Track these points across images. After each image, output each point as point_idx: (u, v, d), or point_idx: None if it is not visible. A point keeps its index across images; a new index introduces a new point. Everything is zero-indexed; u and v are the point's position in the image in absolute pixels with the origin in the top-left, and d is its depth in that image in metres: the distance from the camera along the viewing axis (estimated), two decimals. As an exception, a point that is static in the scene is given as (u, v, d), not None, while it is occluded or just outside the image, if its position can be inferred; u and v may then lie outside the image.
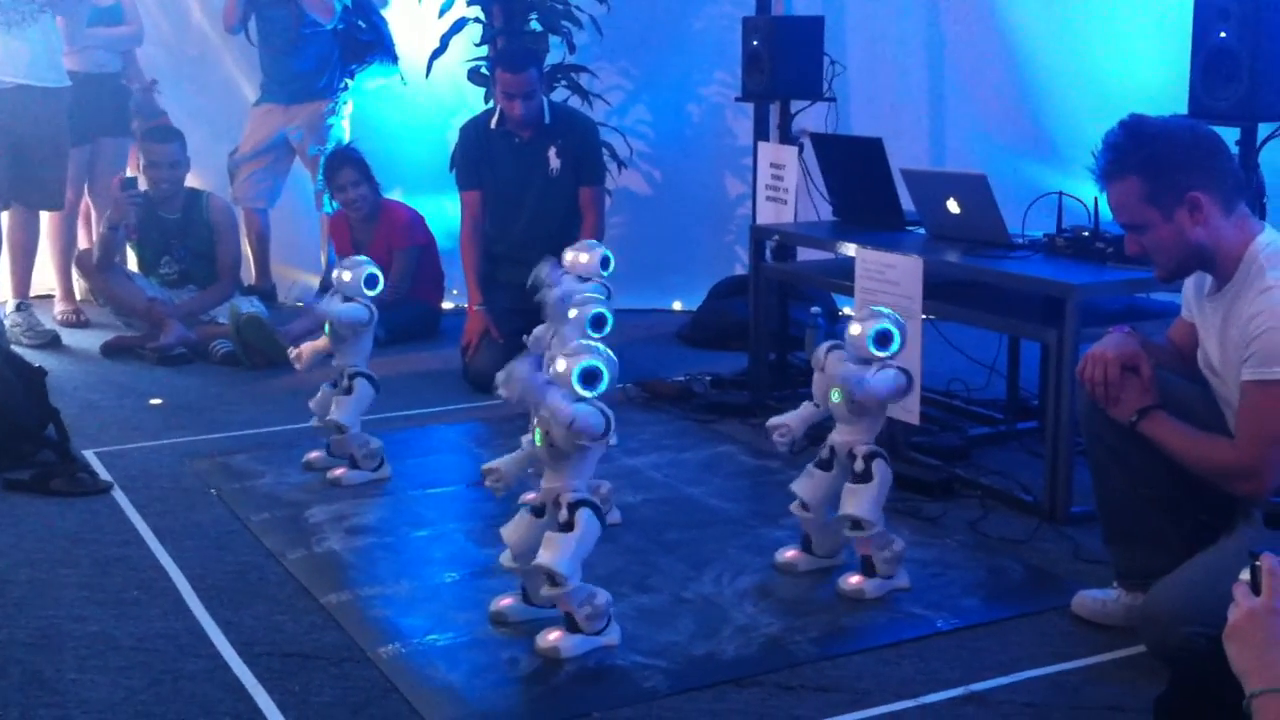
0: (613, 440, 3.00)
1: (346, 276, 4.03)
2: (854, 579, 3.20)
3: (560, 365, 2.83)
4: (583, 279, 4.05)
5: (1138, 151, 2.68)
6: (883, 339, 3.15)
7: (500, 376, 3.63)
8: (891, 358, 3.16)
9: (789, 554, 3.35)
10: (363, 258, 4.15)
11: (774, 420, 3.33)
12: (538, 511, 2.92)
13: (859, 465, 3.18)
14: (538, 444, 2.87)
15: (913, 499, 3.80)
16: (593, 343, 2.91)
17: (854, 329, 3.20)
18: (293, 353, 4.17)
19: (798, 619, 3.08)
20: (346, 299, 4.04)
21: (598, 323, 3.64)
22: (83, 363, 5.61)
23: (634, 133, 6.52)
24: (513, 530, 2.97)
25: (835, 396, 3.22)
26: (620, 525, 3.66)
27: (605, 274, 4.05)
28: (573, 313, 3.71)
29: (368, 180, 5.97)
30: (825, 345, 3.30)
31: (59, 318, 6.25)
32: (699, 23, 6.56)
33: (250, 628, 3.05)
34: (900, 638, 2.99)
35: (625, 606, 3.12)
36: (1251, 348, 2.60)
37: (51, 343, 5.83)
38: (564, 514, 2.82)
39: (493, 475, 2.97)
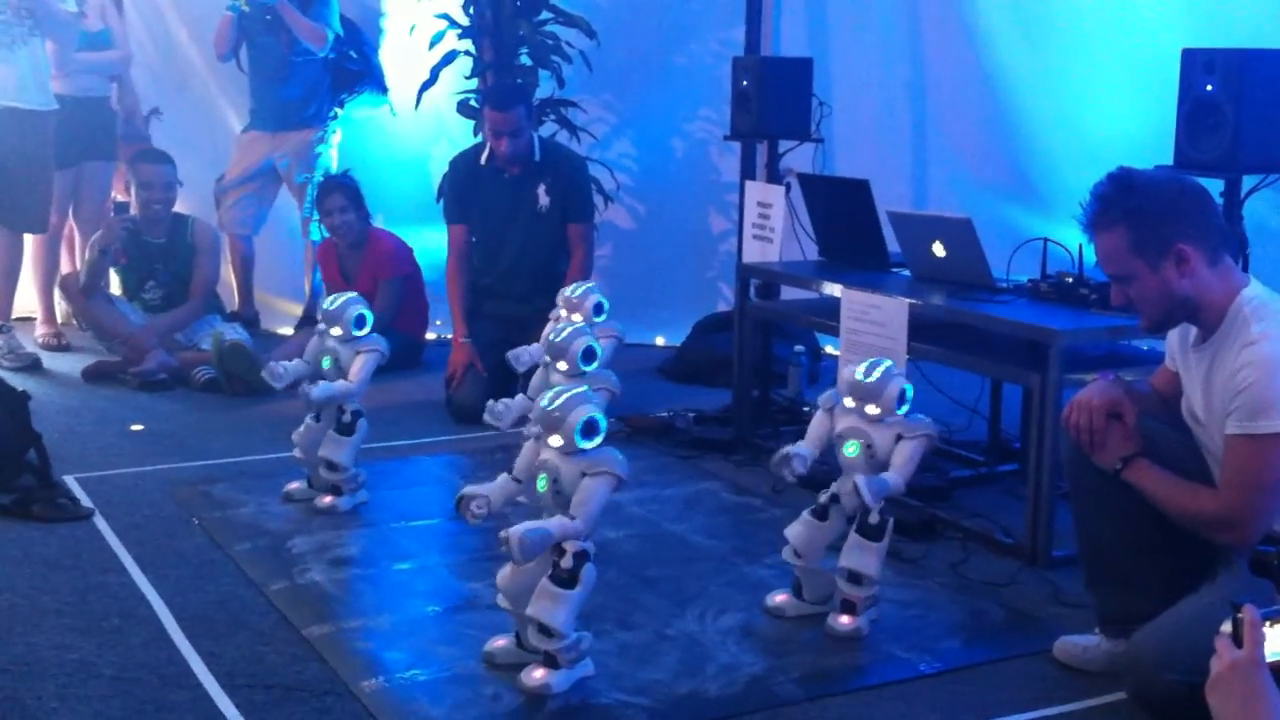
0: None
1: (336, 330, 4.05)
2: (845, 619, 3.21)
3: (554, 441, 2.81)
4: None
5: (1125, 203, 2.71)
6: (904, 398, 3.17)
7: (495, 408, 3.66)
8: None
9: (779, 598, 3.35)
10: (351, 295, 4.16)
11: (790, 449, 3.21)
12: None
13: (874, 519, 3.15)
14: (541, 490, 2.86)
15: (894, 540, 3.79)
16: (576, 390, 2.89)
17: (853, 372, 3.18)
18: (274, 369, 4.12)
19: (781, 659, 3.09)
20: (345, 340, 4.05)
21: (588, 355, 3.68)
22: (64, 387, 5.59)
23: (619, 166, 6.55)
24: (509, 576, 2.93)
25: (851, 450, 3.20)
26: (598, 560, 3.63)
27: (599, 320, 4.09)
28: (562, 364, 3.72)
29: (356, 209, 5.97)
30: (831, 392, 3.30)
31: (40, 341, 6.22)
32: (685, 60, 6.60)
33: (232, 659, 3.04)
34: (883, 680, 3.00)
35: (608, 643, 3.12)
36: (1236, 401, 2.63)
37: (32, 366, 5.80)
38: (568, 562, 2.81)
39: (478, 501, 2.89)
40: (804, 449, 3.24)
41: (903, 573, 3.62)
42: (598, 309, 4.12)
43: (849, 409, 3.22)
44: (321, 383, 4.02)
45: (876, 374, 3.16)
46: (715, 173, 6.59)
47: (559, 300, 4.17)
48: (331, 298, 4.15)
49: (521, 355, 4.09)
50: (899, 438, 3.16)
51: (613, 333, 4.14)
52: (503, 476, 2.99)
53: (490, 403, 3.79)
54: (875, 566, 3.18)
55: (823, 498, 3.27)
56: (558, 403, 2.82)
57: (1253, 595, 2.12)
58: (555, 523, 2.79)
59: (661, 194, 6.70)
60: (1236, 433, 2.64)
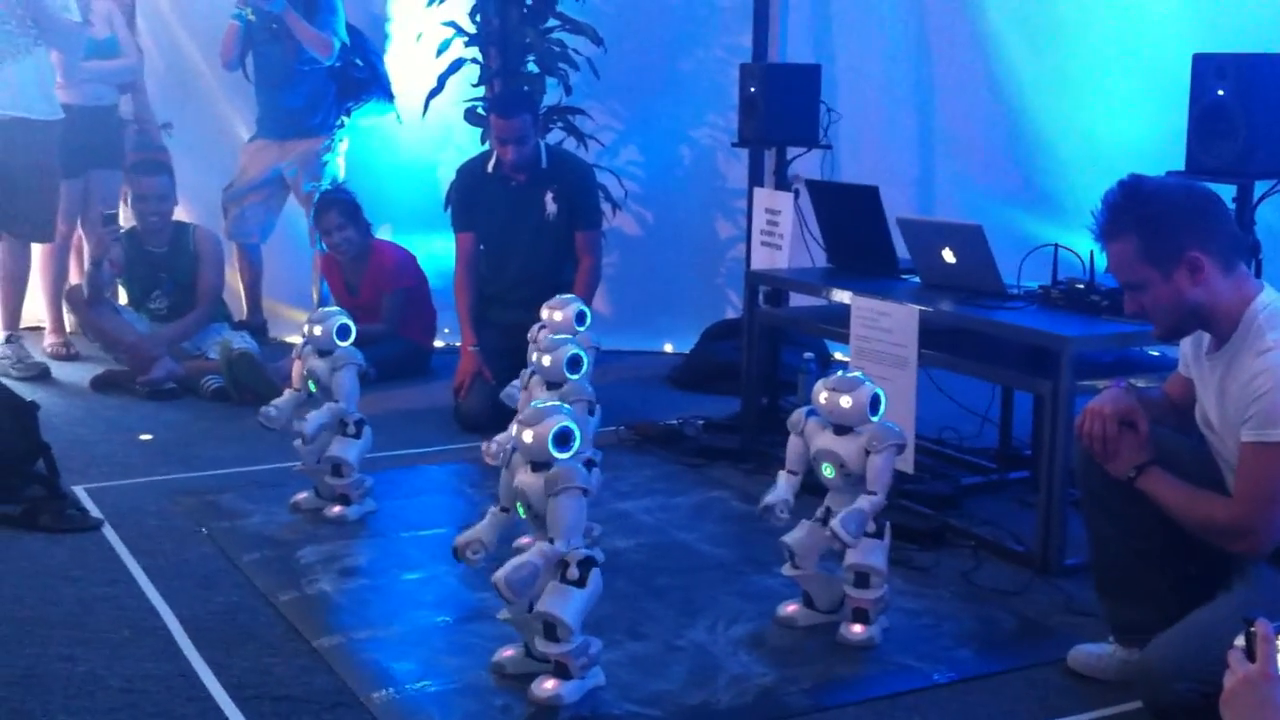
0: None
1: (318, 331, 4.05)
2: (857, 628, 3.20)
3: (527, 437, 2.81)
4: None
5: (1136, 211, 2.69)
6: (876, 405, 3.17)
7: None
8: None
9: (790, 608, 3.33)
10: (334, 309, 4.18)
11: (769, 500, 3.24)
12: None
13: (870, 526, 3.15)
14: (522, 516, 2.88)
15: (904, 548, 3.79)
16: (551, 403, 2.89)
17: (822, 396, 3.20)
18: (267, 414, 4.10)
19: (792, 669, 3.07)
20: (322, 352, 4.05)
21: (574, 364, 3.68)
22: (72, 397, 5.58)
23: (625, 173, 6.54)
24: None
25: (828, 471, 3.21)
26: (607, 569, 3.62)
27: (581, 329, 4.07)
28: (547, 359, 3.72)
29: (354, 223, 5.95)
30: (803, 410, 3.31)
31: (48, 350, 6.22)
32: (691, 66, 6.60)
33: (241, 670, 3.03)
34: (895, 689, 2.99)
35: (618, 654, 3.11)
36: (1251, 409, 2.61)
37: (41, 375, 5.80)
38: (574, 571, 2.81)
39: (472, 547, 2.93)
40: (783, 491, 3.26)
41: (913, 581, 3.60)
42: (580, 318, 4.11)
43: (819, 429, 3.23)
44: (311, 415, 4.03)
45: (849, 383, 3.18)
46: (722, 179, 6.58)
47: (542, 313, 4.14)
48: (312, 316, 4.16)
49: (514, 395, 4.07)
50: (867, 453, 3.15)
51: (589, 343, 4.12)
52: (490, 511, 3.00)
53: (484, 445, 3.82)
54: (882, 560, 3.17)
55: (819, 512, 3.26)
56: (531, 414, 2.84)
57: (1267, 606, 2.11)
58: (537, 552, 2.79)
59: (669, 201, 6.70)
60: (1251, 441, 2.62)
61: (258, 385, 5.36)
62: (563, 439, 2.80)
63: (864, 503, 3.12)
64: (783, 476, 3.31)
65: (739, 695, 2.94)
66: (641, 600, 3.48)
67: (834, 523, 3.09)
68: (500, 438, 3.74)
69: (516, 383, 4.03)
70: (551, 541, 2.80)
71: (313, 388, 4.10)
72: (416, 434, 5.07)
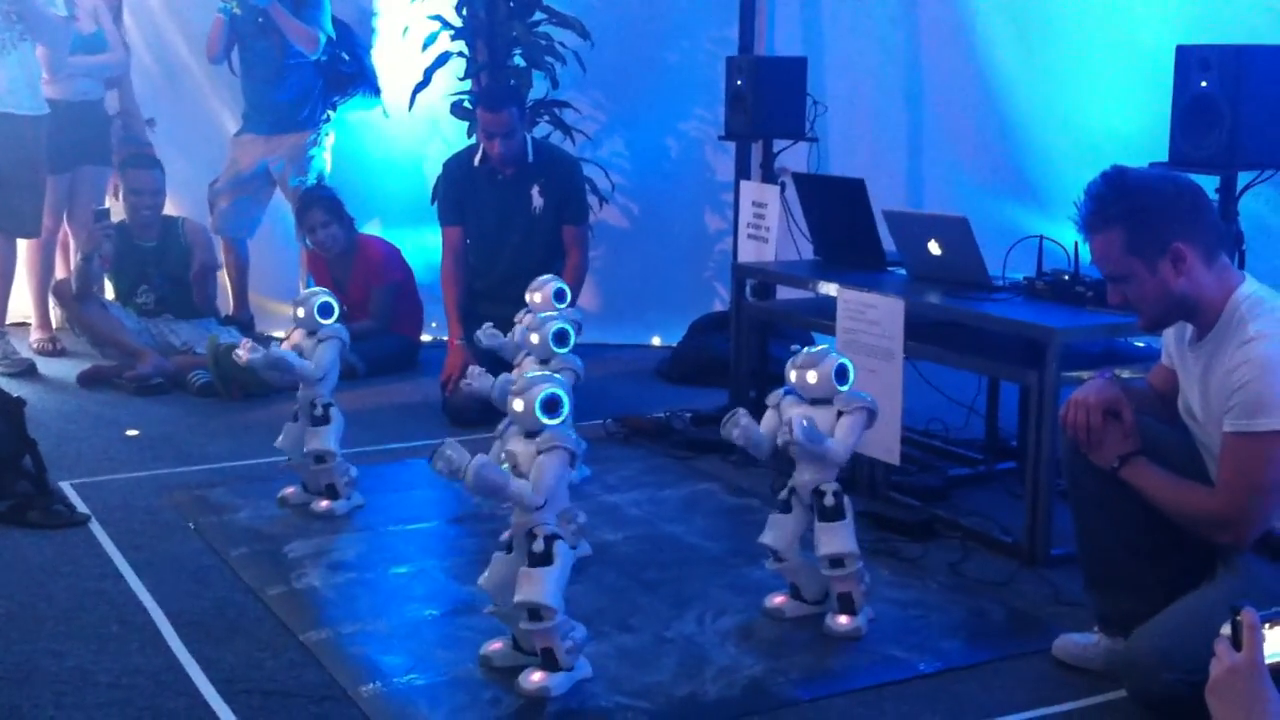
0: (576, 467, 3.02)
1: (301, 312, 4.08)
2: (843, 619, 3.21)
3: (517, 405, 2.85)
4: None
5: (1120, 203, 2.70)
6: (843, 375, 3.21)
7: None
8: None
9: (777, 599, 3.34)
10: (318, 289, 4.21)
11: (740, 410, 3.25)
12: (508, 547, 2.92)
13: (829, 501, 3.18)
14: None
15: (893, 539, 3.81)
16: (543, 372, 2.94)
17: (792, 374, 3.23)
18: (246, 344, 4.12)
19: (780, 660, 3.08)
20: (309, 333, 4.06)
21: (560, 338, 3.79)
22: (59, 392, 5.57)
23: (613, 166, 6.53)
24: (490, 576, 2.96)
25: None
26: (596, 562, 3.66)
27: (561, 305, 4.10)
28: (534, 337, 3.77)
29: (338, 220, 5.95)
30: (781, 390, 3.33)
31: (35, 346, 6.21)
32: (677, 59, 6.59)
33: (230, 665, 3.03)
34: (883, 680, 3.00)
35: (607, 646, 3.12)
36: (1233, 399, 2.62)
37: (27, 371, 5.79)
38: (540, 545, 2.83)
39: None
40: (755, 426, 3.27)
41: (901, 573, 3.62)
42: (559, 295, 4.13)
43: (794, 402, 3.26)
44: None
45: (814, 357, 3.21)
46: (710, 172, 6.58)
47: (526, 296, 4.19)
48: (296, 299, 4.17)
49: (482, 338, 4.21)
50: (839, 415, 3.19)
51: (572, 319, 4.16)
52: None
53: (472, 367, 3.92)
54: (850, 543, 3.19)
55: (782, 494, 3.28)
56: (521, 383, 2.90)
57: (1252, 595, 2.12)
58: (516, 481, 2.82)
59: (656, 194, 6.69)
60: (1233, 431, 2.63)
61: (245, 380, 5.36)
62: (550, 405, 2.84)
63: (830, 440, 3.15)
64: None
65: (727, 687, 2.95)
66: (630, 593, 3.49)
67: (794, 417, 3.11)
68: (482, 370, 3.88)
69: (484, 374, 4.05)
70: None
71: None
72: (405, 428, 5.07)
